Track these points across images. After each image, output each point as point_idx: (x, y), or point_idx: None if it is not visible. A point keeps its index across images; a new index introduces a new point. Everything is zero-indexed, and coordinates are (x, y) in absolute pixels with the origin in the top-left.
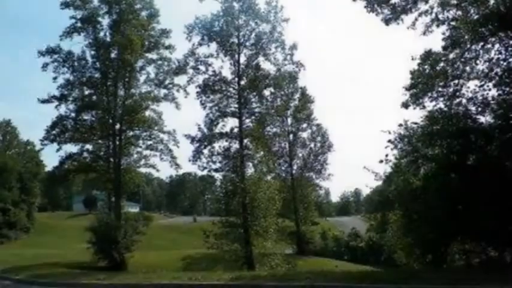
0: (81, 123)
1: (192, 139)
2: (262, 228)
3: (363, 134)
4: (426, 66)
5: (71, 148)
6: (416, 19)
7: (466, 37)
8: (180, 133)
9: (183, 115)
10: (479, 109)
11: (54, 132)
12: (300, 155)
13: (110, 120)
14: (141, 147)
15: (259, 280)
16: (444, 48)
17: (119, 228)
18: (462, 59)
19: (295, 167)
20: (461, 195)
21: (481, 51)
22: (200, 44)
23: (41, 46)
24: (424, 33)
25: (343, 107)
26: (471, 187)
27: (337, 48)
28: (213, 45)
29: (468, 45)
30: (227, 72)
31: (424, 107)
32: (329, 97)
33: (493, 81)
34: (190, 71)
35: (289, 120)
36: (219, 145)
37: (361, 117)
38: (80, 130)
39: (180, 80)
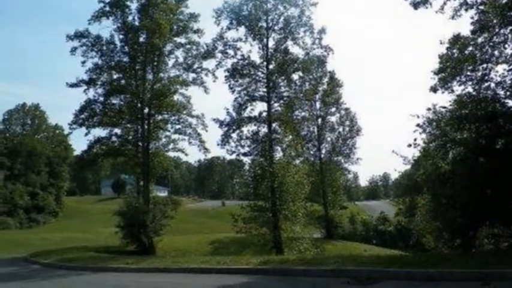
0: (109, 107)
1: (221, 123)
2: (290, 212)
3: (392, 118)
4: (455, 50)
5: (100, 132)
6: (444, 3)
7: (495, 21)
8: (208, 117)
9: (211, 99)
10: (508, 93)
11: (82, 116)
12: (329, 139)
13: (139, 104)
14: (169, 131)
15: (288, 264)
16: (473, 32)
17: (148, 212)
18: (491, 43)
19: (323, 151)
20: (490, 179)
21: (509, 35)
22: (229, 28)
23: (68, 30)
24: (453, 17)
25: (371, 90)
26: (500, 171)
27: (365, 31)
28: (242, 30)
29: (497, 29)
30: (255, 57)
31: (452, 91)
32: (358, 81)
33: None
34: (219, 55)
35: (318, 105)
36: (248, 129)
37: (390, 100)
38: (109, 114)
39: (209, 64)
